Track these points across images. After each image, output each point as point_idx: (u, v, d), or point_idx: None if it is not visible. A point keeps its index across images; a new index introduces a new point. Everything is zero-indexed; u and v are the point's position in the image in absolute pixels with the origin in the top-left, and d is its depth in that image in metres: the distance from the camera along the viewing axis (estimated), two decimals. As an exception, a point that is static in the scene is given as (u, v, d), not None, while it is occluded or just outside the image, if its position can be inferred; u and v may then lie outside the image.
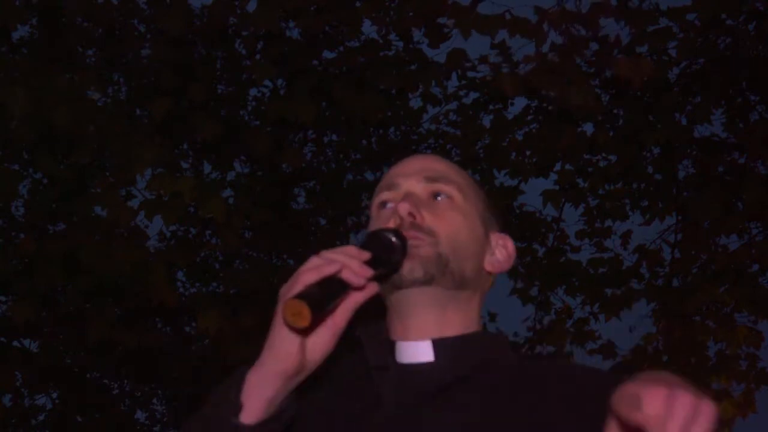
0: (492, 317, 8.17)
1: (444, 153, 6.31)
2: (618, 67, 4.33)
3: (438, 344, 1.43)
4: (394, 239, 1.39)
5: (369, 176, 6.86)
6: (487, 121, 6.24)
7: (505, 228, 1.58)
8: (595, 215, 6.68)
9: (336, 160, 7.15)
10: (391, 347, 1.46)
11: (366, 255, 1.33)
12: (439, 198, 1.49)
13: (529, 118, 6.22)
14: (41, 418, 7.60)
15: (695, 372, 6.68)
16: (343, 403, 1.44)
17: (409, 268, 1.41)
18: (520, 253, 6.69)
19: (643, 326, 7.04)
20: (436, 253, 1.43)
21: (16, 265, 5.40)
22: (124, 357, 6.79)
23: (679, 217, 6.63)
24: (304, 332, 1.30)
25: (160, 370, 7.33)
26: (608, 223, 6.72)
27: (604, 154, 6.34)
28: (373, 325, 1.48)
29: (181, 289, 7.46)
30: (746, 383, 6.88)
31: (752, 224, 6.60)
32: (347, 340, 1.38)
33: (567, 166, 6.29)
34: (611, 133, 6.04)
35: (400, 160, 1.58)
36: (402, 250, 1.39)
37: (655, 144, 6.06)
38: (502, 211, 6.31)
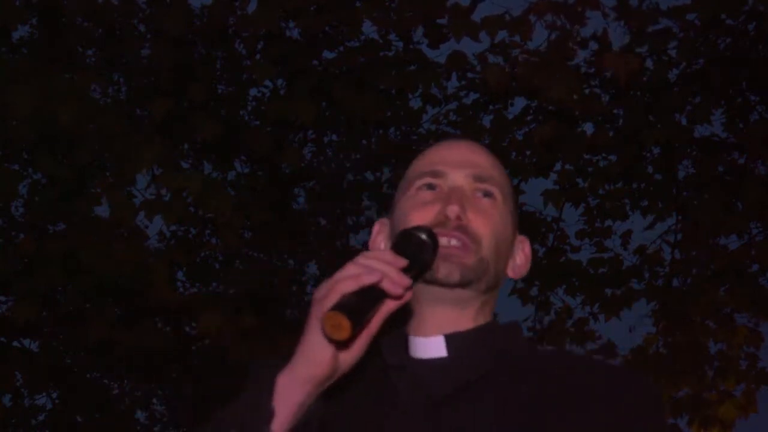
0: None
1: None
2: (605, 63, 4.33)
3: (450, 339, 1.42)
4: (425, 238, 1.35)
5: (369, 176, 6.86)
6: (487, 121, 6.24)
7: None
8: (595, 215, 6.67)
9: (336, 160, 7.15)
10: (405, 342, 1.45)
11: (403, 262, 1.29)
12: (485, 198, 1.46)
13: (529, 118, 6.22)
14: (41, 418, 7.60)
15: (696, 372, 6.68)
16: (363, 403, 1.43)
17: (447, 272, 1.39)
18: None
19: (643, 326, 7.04)
20: (478, 258, 1.41)
21: (16, 265, 5.40)
22: (124, 357, 6.79)
23: (679, 217, 6.63)
24: (342, 344, 1.28)
25: (160, 370, 7.33)
26: (608, 223, 6.72)
27: (604, 154, 6.33)
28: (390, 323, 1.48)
29: (181, 289, 7.46)
30: (746, 383, 6.88)
31: (752, 224, 6.60)
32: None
33: (567, 166, 6.29)
34: (611, 133, 6.04)
35: (443, 141, 1.55)
36: (433, 249, 1.36)
37: (655, 144, 6.05)
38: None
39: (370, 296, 1.25)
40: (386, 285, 1.26)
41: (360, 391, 1.45)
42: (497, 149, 6.08)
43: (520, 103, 6.25)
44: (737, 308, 6.69)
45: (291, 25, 5.73)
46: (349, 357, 1.30)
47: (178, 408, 8.62)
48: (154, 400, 9.04)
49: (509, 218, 1.49)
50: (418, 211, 1.44)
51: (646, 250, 6.78)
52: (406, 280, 1.28)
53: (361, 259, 1.28)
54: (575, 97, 4.52)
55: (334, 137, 7.19)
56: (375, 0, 5.04)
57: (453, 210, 1.41)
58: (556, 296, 6.93)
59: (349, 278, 1.25)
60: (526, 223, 6.62)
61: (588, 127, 6.13)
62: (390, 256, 1.29)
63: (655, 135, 5.81)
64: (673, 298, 6.58)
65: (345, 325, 1.19)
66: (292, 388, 1.29)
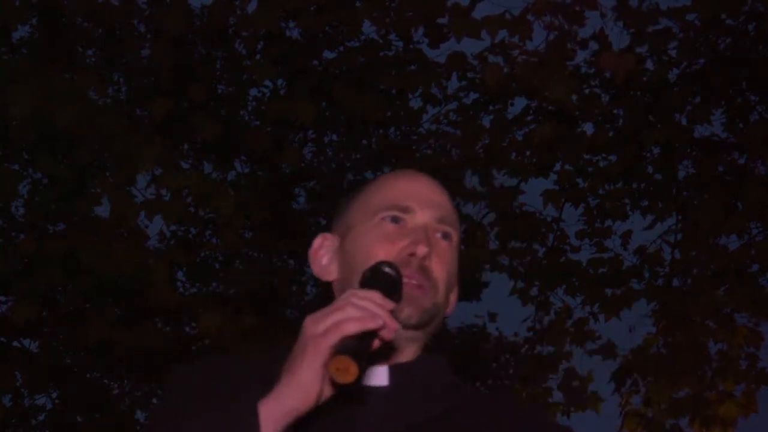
0: (492, 317, 8.20)
1: (444, 153, 6.31)
2: (602, 63, 4.33)
3: (393, 370, 1.45)
4: (396, 277, 1.37)
5: (369, 176, 6.85)
6: (487, 121, 6.24)
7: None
8: (595, 215, 6.67)
9: (336, 160, 7.16)
10: None
11: (391, 305, 1.31)
12: (444, 240, 1.48)
13: (529, 118, 6.22)
14: (41, 418, 7.60)
15: (696, 372, 6.68)
16: (318, 425, 1.42)
17: (408, 315, 1.41)
18: (520, 253, 6.69)
19: (643, 326, 7.04)
20: (434, 303, 1.44)
21: (16, 265, 5.40)
22: (124, 357, 6.79)
23: (679, 217, 6.63)
24: (338, 384, 1.29)
25: (160, 370, 7.33)
26: (608, 223, 6.72)
27: (604, 154, 6.33)
28: None
29: (181, 289, 7.45)
30: (746, 383, 6.88)
31: (752, 224, 6.60)
32: None
33: (567, 166, 6.29)
34: (611, 133, 6.04)
35: (402, 167, 1.60)
36: (400, 288, 1.38)
37: (655, 144, 6.05)
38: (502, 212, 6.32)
39: (368, 339, 1.27)
40: (383, 331, 1.28)
41: (319, 419, 1.44)
42: (497, 149, 6.09)
43: (520, 103, 6.25)
44: (737, 308, 6.69)
45: (291, 25, 5.74)
46: (328, 391, 1.31)
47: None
48: (154, 400, 9.03)
49: (457, 260, 1.51)
50: (383, 244, 1.45)
51: (646, 250, 6.78)
52: (396, 324, 1.30)
53: (357, 301, 1.28)
54: (575, 97, 4.52)
55: (334, 137, 7.19)
56: (375, 0, 5.05)
57: (422, 250, 1.43)
58: (556, 296, 6.93)
59: (353, 321, 1.25)
60: (526, 223, 6.62)
61: (588, 127, 6.13)
62: (380, 299, 1.30)
63: (655, 135, 5.81)
64: (673, 298, 6.58)
65: (353, 371, 1.22)
66: (276, 420, 1.28)
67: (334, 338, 1.25)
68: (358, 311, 1.26)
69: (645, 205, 6.53)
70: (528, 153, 6.25)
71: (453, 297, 1.53)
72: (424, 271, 1.43)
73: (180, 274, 7.40)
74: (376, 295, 1.30)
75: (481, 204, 6.48)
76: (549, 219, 6.73)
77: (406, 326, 1.41)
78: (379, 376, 1.45)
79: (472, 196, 6.36)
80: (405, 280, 1.40)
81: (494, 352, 11.03)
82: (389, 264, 1.38)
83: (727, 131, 6.35)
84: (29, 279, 5.30)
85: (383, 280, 1.35)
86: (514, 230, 6.57)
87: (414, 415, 1.42)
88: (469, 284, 6.42)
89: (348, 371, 1.22)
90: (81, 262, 4.79)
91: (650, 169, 6.45)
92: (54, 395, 7.59)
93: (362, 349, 1.25)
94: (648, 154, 6.38)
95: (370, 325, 1.26)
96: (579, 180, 6.48)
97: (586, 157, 6.33)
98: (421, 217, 1.47)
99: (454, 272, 1.49)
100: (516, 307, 6.95)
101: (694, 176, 6.48)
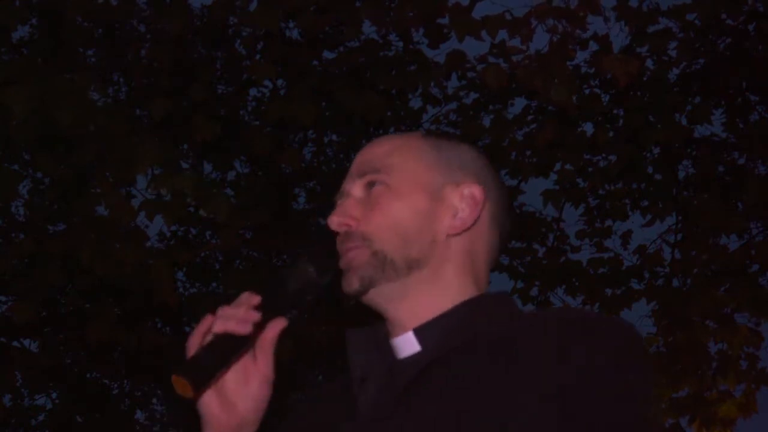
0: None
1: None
2: (604, 66, 4.33)
3: (419, 332, 1.37)
4: (300, 272, 1.38)
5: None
6: (487, 121, 6.24)
7: (478, 173, 1.46)
8: (595, 215, 6.67)
9: (336, 160, 7.15)
10: (388, 347, 1.42)
11: (256, 299, 1.32)
12: (372, 189, 1.41)
13: (529, 118, 6.22)
14: (41, 418, 7.60)
15: (697, 372, 6.68)
16: (321, 416, 1.41)
17: (346, 285, 1.38)
18: (520, 253, 6.69)
19: (643, 326, 7.04)
20: (371, 253, 1.37)
21: (16, 265, 5.40)
22: (124, 357, 6.80)
23: (679, 217, 6.63)
24: (195, 399, 1.31)
25: (160, 370, 7.33)
26: (608, 223, 6.72)
27: (604, 154, 6.33)
28: (364, 332, 1.43)
29: (181, 289, 7.45)
30: (746, 383, 6.88)
31: (752, 224, 6.60)
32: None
33: (567, 166, 6.29)
34: (611, 133, 6.04)
35: None
36: (323, 270, 1.39)
37: (655, 144, 6.06)
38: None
39: (223, 344, 1.28)
40: (232, 327, 1.29)
41: (321, 405, 1.44)
42: (497, 149, 6.09)
43: (520, 103, 6.25)
44: (737, 308, 6.69)
45: (291, 25, 5.74)
46: (249, 402, 1.32)
47: (178, 408, 8.62)
48: (154, 400, 9.04)
49: (414, 188, 1.40)
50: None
51: (646, 250, 6.78)
52: (253, 316, 1.30)
53: (218, 311, 1.32)
54: (575, 98, 4.52)
55: (334, 137, 7.18)
56: (375, 0, 5.04)
57: (332, 221, 1.41)
58: (556, 296, 6.93)
59: (196, 334, 1.31)
60: (526, 223, 6.62)
61: (588, 127, 6.13)
62: (245, 297, 1.32)
63: (655, 135, 5.81)
64: (673, 298, 6.58)
65: (188, 387, 1.24)
66: None
67: (188, 357, 1.29)
68: (205, 323, 1.33)
69: (645, 205, 6.54)
70: (528, 153, 6.25)
71: (463, 209, 1.41)
72: (347, 236, 1.39)
73: (180, 274, 7.40)
74: (243, 295, 1.34)
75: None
76: (549, 219, 6.73)
77: (359, 293, 1.37)
78: (411, 343, 1.38)
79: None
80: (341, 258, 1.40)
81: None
82: (300, 260, 1.40)
83: (727, 131, 6.35)
84: (29, 279, 5.30)
85: (279, 281, 1.37)
86: (514, 230, 6.56)
87: (416, 383, 1.32)
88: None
89: (186, 387, 1.24)
90: (81, 262, 4.79)
91: (650, 169, 6.45)
92: (54, 395, 7.59)
93: (211, 360, 1.27)
94: (648, 154, 6.38)
95: (213, 329, 1.30)
96: (579, 180, 6.48)
97: (586, 157, 6.33)
98: (346, 188, 1.44)
99: (401, 210, 1.38)
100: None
101: (694, 176, 6.48)
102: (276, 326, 1.33)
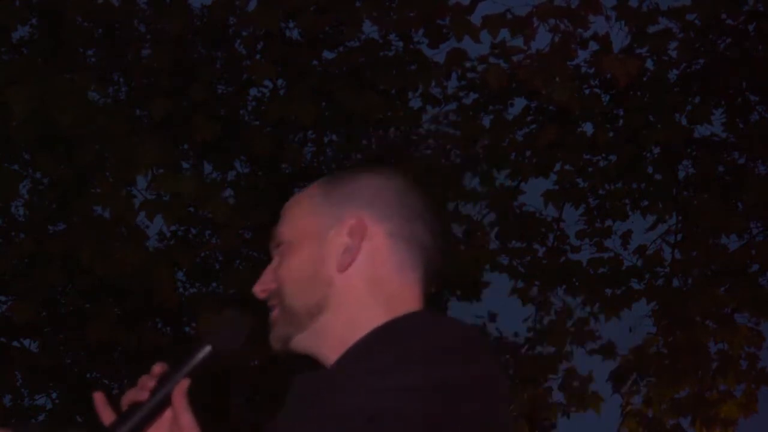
0: (492, 317, 8.18)
1: (444, 153, 6.32)
2: (604, 66, 4.33)
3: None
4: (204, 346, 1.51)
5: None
6: (487, 121, 6.24)
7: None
8: (595, 215, 6.67)
9: (336, 160, 7.15)
10: None
11: (159, 368, 1.49)
12: (278, 250, 1.49)
13: (529, 118, 6.22)
14: (41, 418, 7.59)
15: (697, 373, 6.68)
16: None
17: (271, 343, 1.48)
18: (520, 253, 6.69)
19: (643, 326, 7.04)
20: (281, 310, 1.46)
21: (16, 265, 5.40)
22: (124, 357, 6.79)
23: (679, 218, 6.63)
24: None
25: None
26: (608, 223, 6.72)
27: (604, 154, 6.34)
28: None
29: (181, 289, 7.45)
30: (747, 383, 6.88)
31: (752, 224, 6.60)
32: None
33: (567, 166, 6.29)
34: (611, 133, 6.04)
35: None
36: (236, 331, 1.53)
37: (655, 144, 6.06)
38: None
39: (132, 413, 1.50)
40: (133, 396, 1.50)
41: None
42: (497, 149, 6.10)
43: (520, 103, 6.25)
44: (737, 308, 6.69)
45: (291, 25, 5.73)
46: None
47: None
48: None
49: (303, 238, 1.45)
50: None
51: (646, 250, 6.78)
52: (149, 382, 1.48)
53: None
54: (576, 95, 4.52)
55: (334, 137, 7.18)
56: (375, 0, 5.04)
57: (255, 292, 1.52)
58: (556, 296, 6.93)
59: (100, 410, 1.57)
60: (526, 223, 6.62)
61: (588, 127, 6.13)
62: (154, 368, 1.50)
63: (655, 135, 5.81)
64: (673, 298, 6.58)
65: None
66: None
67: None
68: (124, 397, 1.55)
69: (645, 205, 6.54)
70: (528, 153, 6.25)
71: (346, 248, 1.42)
72: (269, 298, 1.49)
73: (180, 274, 7.40)
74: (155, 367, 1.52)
75: (481, 204, 6.49)
76: (549, 219, 6.73)
77: (283, 351, 1.48)
78: None
79: (472, 196, 6.37)
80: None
81: (494, 352, 11.02)
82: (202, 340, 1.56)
83: (727, 131, 6.35)
84: (29, 279, 5.30)
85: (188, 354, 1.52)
86: (514, 230, 6.57)
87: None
88: (469, 284, 6.41)
89: None
90: (81, 262, 4.79)
91: (650, 169, 6.45)
92: (54, 395, 7.59)
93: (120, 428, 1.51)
94: (648, 154, 6.38)
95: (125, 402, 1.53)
96: (579, 180, 6.48)
97: (586, 157, 6.33)
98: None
99: (295, 261, 1.45)
100: (516, 307, 6.95)
101: (694, 176, 6.48)
102: (181, 387, 1.45)
